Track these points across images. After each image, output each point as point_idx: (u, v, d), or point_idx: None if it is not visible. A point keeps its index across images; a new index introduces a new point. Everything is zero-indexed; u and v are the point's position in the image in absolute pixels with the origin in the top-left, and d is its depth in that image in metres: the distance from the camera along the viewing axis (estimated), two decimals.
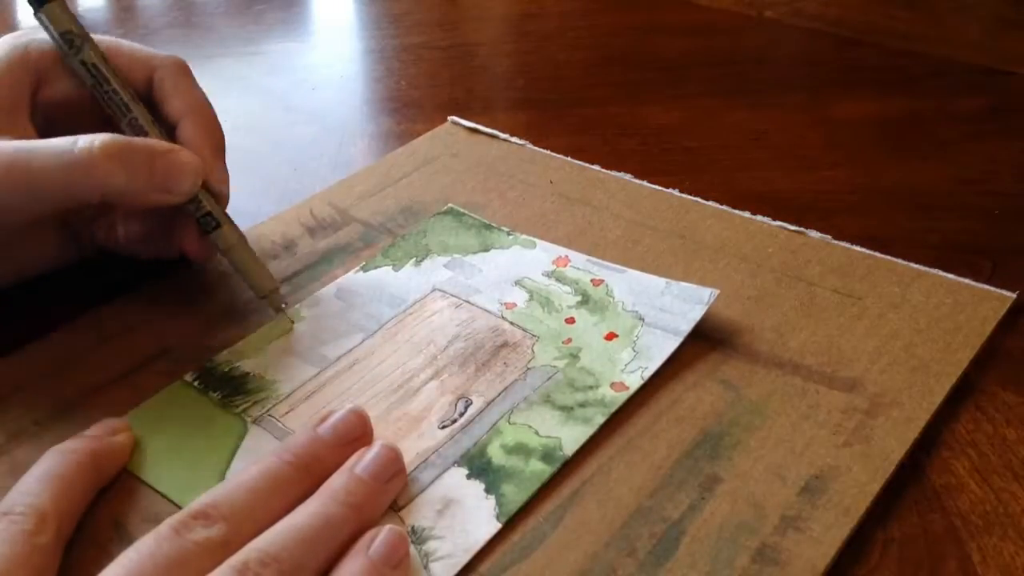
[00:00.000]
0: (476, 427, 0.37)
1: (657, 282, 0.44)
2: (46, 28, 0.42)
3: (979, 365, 0.40)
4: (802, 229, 0.48)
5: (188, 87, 0.44)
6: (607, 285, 0.44)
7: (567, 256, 0.46)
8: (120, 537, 0.33)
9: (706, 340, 0.41)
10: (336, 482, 0.33)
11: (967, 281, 0.44)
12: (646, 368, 0.39)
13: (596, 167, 0.54)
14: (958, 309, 0.42)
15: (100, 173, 0.39)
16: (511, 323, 0.42)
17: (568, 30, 0.76)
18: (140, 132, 0.42)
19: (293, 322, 0.43)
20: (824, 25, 0.75)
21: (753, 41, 0.74)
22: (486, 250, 0.47)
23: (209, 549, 0.30)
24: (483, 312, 0.43)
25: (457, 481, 0.35)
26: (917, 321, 0.42)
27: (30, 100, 0.42)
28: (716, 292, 0.42)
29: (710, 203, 0.50)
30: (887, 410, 0.37)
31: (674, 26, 0.76)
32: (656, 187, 0.52)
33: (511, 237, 0.48)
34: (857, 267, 0.45)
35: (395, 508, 0.34)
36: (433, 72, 0.70)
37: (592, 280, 0.45)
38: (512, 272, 0.45)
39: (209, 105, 0.45)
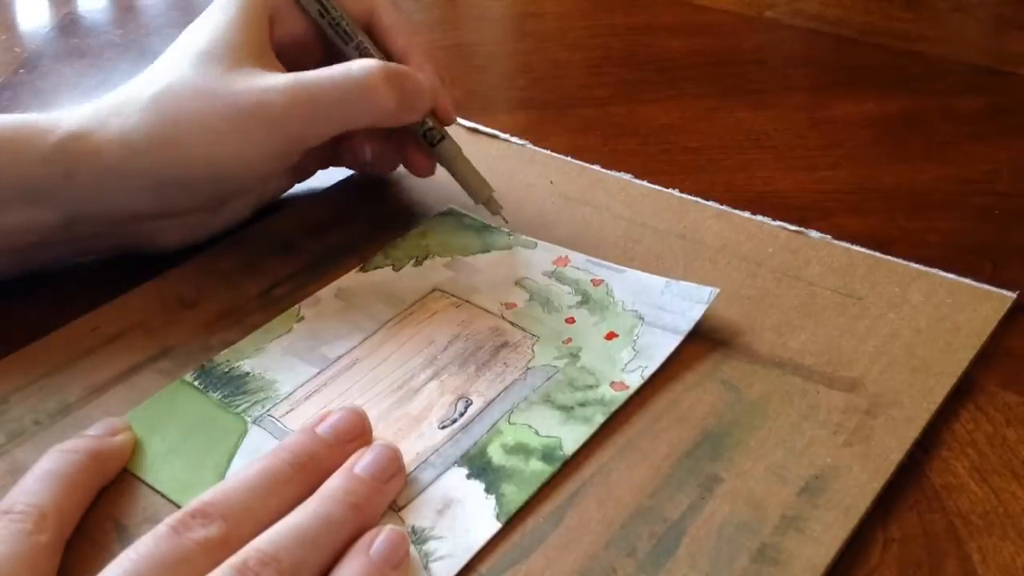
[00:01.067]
0: (476, 427, 0.37)
1: (657, 281, 0.44)
2: None
3: (979, 365, 0.40)
4: (802, 229, 0.48)
5: (406, 22, 0.48)
6: (607, 285, 0.44)
7: (567, 256, 0.46)
8: (120, 537, 0.33)
9: (706, 340, 0.41)
10: (336, 482, 0.33)
11: (967, 281, 0.44)
12: (646, 367, 0.39)
13: (596, 167, 0.54)
14: (958, 309, 0.42)
15: (380, 96, 0.43)
16: (511, 323, 0.42)
17: (568, 30, 0.76)
18: (368, 56, 0.46)
19: (507, 221, 0.47)
20: (824, 25, 0.75)
21: (753, 41, 0.74)
22: (486, 251, 0.47)
23: (208, 548, 0.29)
24: (483, 312, 0.43)
25: (457, 481, 0.35)
26: (917, 321, 0.42)
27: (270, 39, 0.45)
28: (716, 291, 0.42)
29: (710, 203, 0.50)
30: (887, 410, 0.37)
31: (674, 26, 0.75)
32: (656, 187, 0.52)
33: (511, 237, 0.48)
34: (857, 267, 0.45)
35: (395, 508, 0.34)
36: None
37: (592, 280, 0.45)
38: (512, 272, 0.45)
39: (420, 36, 0.48)
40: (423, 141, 0.47)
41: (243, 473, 0.32)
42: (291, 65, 0.45)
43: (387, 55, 0.47)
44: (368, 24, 0.47)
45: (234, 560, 0.29)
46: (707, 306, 0.42)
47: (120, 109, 0.42)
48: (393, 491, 0.34)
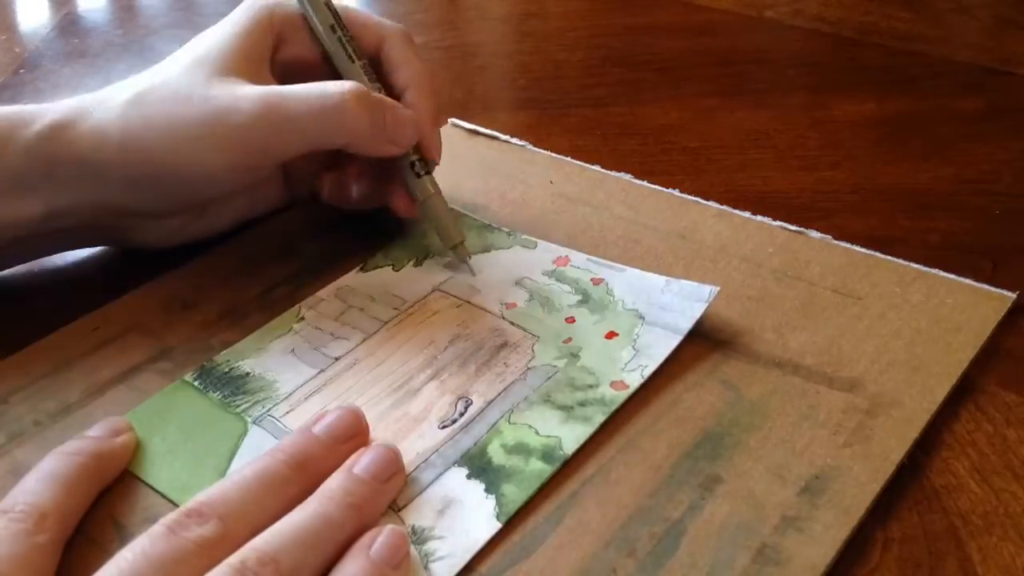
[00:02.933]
0: (476, 427, 0.37)
1: (657, 280, 0.44)
2: None
3: (979, 365, 0.40)
4: (802, 229, 0.48)
5: (414, 57, 0.47)
6: (607, 284, 0.44)
7: (567, 256, 0.46)
8: (120, 537, 0.33)
9: (706, 340, 0.41)
10: (335, 482, 0.33)
11: (967, 281, 0.44)
12: (646, 367, 0.39)
13: (596, 167, 0.54)
14: (958, 309, 0.42)
15: (349, 118, 0.42)
16: (511, 323, 0.42)
17: (568, 30, 0.76)
18: (370, 76, 0.46)
19: (474, 274, 0.46)
20: (824, 25, 0.75)
21: (753, 41, 0.74)
22: (486, 250, 0.47)
23: (204, 547, 0.29)
24: (483, 312, 0.43)
25: (457, 481, 0.35)
26: (917, 321, 0.42)
27: (270, 57, 0.45)
28: (716, 289, 0.42)
29: (710, 203, 0.50)
30: (887, 410, 0.37)
31: (674, 26, 0.76)
32: (656, 187, 0.52)
33: (511, 237, 0.48)
34: (857, 267, 0.45)
35: (395, 508, 0.34)
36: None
37: (592, 279, 0.44)
38: (513, 272, 0.45)
39: (432, 76, 0.48)
40: (410, 172, 0.46)
41: (239, 474, 0.32)
42: (299, 82, 0.44)
43: (388, 87, 0.46)
44: (376, 55, 0.47)
45: (233, 560, 0.29)
46: (707, 305, 0.42)
47: (104, 102, 0.42)
48: (393, 491, 0.34)
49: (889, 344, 0.41)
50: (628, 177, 0.53)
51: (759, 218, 0.49)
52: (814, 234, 0.48)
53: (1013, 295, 0.43)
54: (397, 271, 0.46)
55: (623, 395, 0.38)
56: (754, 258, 0.46)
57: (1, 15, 0.81)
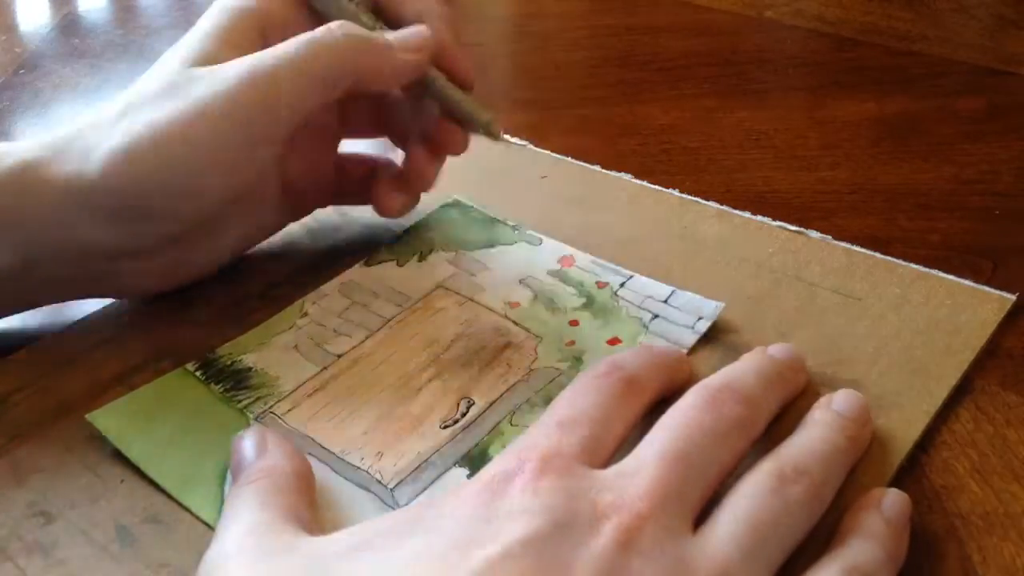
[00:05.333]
0: (478, 428, 0.37)
1: (662, 289, 0.44)
2: None
3: (979, 366, 0.40)
4: (802, 230, 0.48)
5: None
6: (611, 288, 0.44)
7: (572, 256, 0.46)
8: (120, 537, 0.33)
9: (706, 340, 0.41)
10: (828, 415, 0.34)
11: (967, 282, 0.44)
12: None
13: (596, 167, 0.54)
14: (958, 311, 0.42)
15: (343, 47, 0.39)
16: (514, 322, 0.42)
17: (568, 30, 0.76)
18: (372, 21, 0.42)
19: (511, 144, 0.45)
20: (824, 25, 0.75)
21: (753, 41, 0.74)
22: (491, 246, 0.47)
23: (739, 426, 0.32)
24: (487, 311, 0.43)
25: (458, 481, 0.35)
26: (917, 322, 0.42)
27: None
28: (721, 305, 0.42)
29: (710, 203, 0.50)
30: (887, 411, 0.37)
31: (674, 26, 0.76)
32: (656, 187, 0.52)
33: (516, 232, 0.48)
34: (857, 268, 0.45)
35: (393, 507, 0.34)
36: None
37: (597, 283, 0.44)
38: (517, 270, 0.45)
39: (444, 7, 0.44)
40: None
41: (747, 363, 0.36)
42: None
43: (397, 21, 0.43)
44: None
45: (769, 466, 0.31)
46: (712, 322, 0.42)
47: (78, 135, 0.39)
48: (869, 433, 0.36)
49: (889, 345, 0.41)
50: (628, 177, 0.53)
51: (759, 218, 0.49)
52: (814, 234, 0.48)
53: (1013, 296, 0.43)
54: (401, 266, 0.46)
55: None
56: (754, 258, 0.46)
57: (1, 15, 0.81)
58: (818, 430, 0.34)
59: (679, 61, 0.70)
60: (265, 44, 0.40)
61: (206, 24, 0.41)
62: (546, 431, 0.31)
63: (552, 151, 0.56)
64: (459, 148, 0.45)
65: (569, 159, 0.55)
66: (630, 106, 0.64)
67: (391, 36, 0.41)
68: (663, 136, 0.60)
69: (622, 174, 0.53)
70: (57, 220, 0.38)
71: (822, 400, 0.35)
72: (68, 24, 0.78)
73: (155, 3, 0.84)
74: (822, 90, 0.66)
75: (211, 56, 0.40)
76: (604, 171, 0.54)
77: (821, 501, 0.31)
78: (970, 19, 0.77)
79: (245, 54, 0.40)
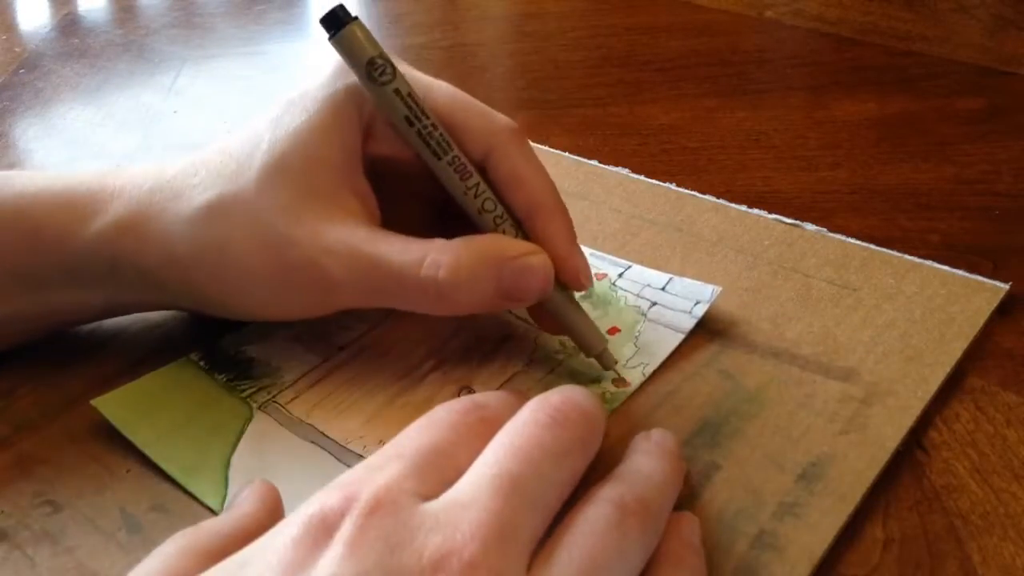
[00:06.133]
0: None
1: (660, 277, 0.44)
2: (344, 56, 0.36)
3: (979, 365, 0.41)
4: (798, 222, 0.48)
5: (534, 170, 0.38)
6: (610, 279, 0.44)
7: None
8: (127, 526, 0.33)
9: (704, 331, 0.41)
10: (656, 449, 0.32)
11: (961, 273, 0.44)
12: (647, 364, 0.40)
13: (594, 162, 0.54)
14: (952, 300, 0.43)
15: (438, 304, 0.36)
16: (515, 315, 0.43)
17: (568, 30, 0.77)
18: (464, 173, 0.37)
19: (627, 384, 0.39)
20: (824, 25, 0.76)
21: (753, 41, 0.75)
22: None
23: (581, 445, 0.30)
24: None
25: None
26: (911, 312, 0.42)
27: (360, 153, 0.38)
28: (719, 289, 0.43)
29: (707, 197, 0.51)
30: (882, 399, 0.38)
31: (674, 26, 0.76)
32: (654, 181, 0.52)
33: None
34: (852, 259, 0.46)
35: None
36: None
37: (596, 274, 0.45)
38: None
39: (550, 182, 0.38)
40: None
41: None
42: (394, 180, 0.39)
43: (505, 207, 0.38)
44: (483, 165, 0.38)
45: (610, 494, 0.29)
46: (709, 305, 0.42)
47: (173, 201, 0.38)
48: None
49: (884, 334, 0.41)
50: (625, 171, 0.53)
51: (755, 211, 0.49)
52: (810, 227, 0.48)
53: (1006, 286, 0.43)
54: None
55: (624, 393, 0.38)
56: (751, 250, 0.46)
57: (1, 15, 0.82)
58: (648, 459, 0.32)
59: (679, 61, 0.70)
60: (367, 146, 0.38)
61: (310, 123, 0.37)
62: (383, 462, 0.28)
63: (552, 150, 0.56)
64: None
65: (567, 154, 0.56)
66: (630, 106, 0.64)
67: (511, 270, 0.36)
68: (663, 136, 0.60)
69: (620, 169, 0.54)
70: (141, 284, 0.39)
71: (640, 434, 0.33)
72: (68, 24, 0.78)
73: (155, 3, 0.84)
74: (822, 90, 0.66)
75: (313, 179, 0.37)
76: (602, 166, 0.54)
77: (656, 533, 0.29)
78: (970, 19, 0.78)
79: (348, 174, 0.38)
